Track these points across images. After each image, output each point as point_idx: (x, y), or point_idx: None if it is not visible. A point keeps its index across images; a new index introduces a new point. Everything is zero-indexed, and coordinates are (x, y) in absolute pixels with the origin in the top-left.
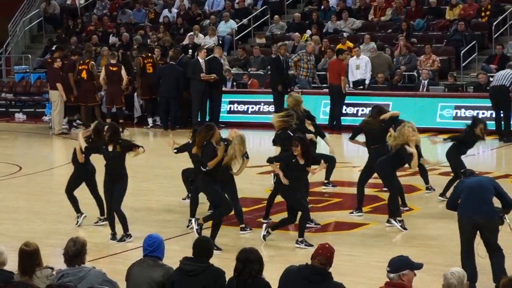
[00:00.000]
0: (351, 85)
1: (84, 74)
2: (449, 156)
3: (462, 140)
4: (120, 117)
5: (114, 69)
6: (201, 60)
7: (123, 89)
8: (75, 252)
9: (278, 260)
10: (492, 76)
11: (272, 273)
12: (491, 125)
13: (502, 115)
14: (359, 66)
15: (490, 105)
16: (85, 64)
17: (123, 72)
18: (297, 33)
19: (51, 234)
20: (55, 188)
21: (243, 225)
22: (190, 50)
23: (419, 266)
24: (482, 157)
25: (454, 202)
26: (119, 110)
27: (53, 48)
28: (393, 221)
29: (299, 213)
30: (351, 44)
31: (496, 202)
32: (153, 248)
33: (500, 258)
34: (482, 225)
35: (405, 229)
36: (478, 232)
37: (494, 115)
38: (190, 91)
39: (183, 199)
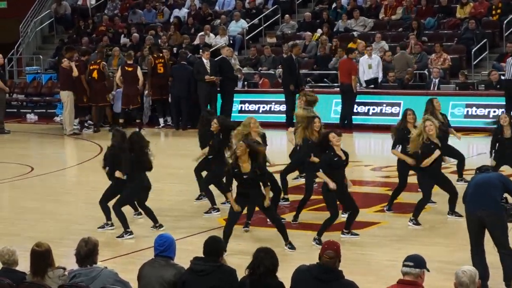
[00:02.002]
0: (364, 84)
1: (95, 74)
2: None
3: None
4: (136, 117)
5: (130, 69)
6: (205, 61)
7: (139, 90)
8: (87, 252)
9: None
10: (503, 74)
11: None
12: None
13: None
14: (371, 65)
15: (502, 103)
16: (97, 64)
17: (139, 72)
18: (308, 32)
19: (64, 235)
20: (67, 189)
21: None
22: (201, 50)
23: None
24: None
25: (465, 198)
26: (135, 110)
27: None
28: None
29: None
30: (362, 43)
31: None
32: (164, 247)
33: (508, 258)
34: (487, 221)
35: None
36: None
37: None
38: (198, 92)
39: (196, 199)
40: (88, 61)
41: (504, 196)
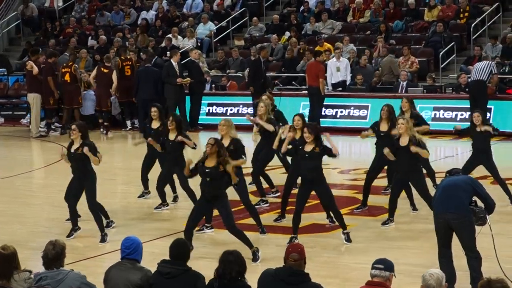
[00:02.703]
0: (330, 87)
1: (67, 77)
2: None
3: None
4: (105, 120)
5: (106, 71)
6: (174, 64)
7: (111, 93)
8: (55, 255)
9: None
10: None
11: None
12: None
13: None
14: (339, 68)
15: (469, 106)
16: (68, 67)
17: (114, 76)
18: (274, 35)
19: (30, 237)
20: (34, 191)
21: None
22: (168, 53)
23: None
24: (461, 158)
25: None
26: (105, 113)
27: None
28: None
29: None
30: (330, 46)
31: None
32: (131, 250)
33: (475, 261)
34: (454, 224)
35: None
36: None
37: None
38: (165, 95)
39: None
40: (56, 63)
41: (473, 199)
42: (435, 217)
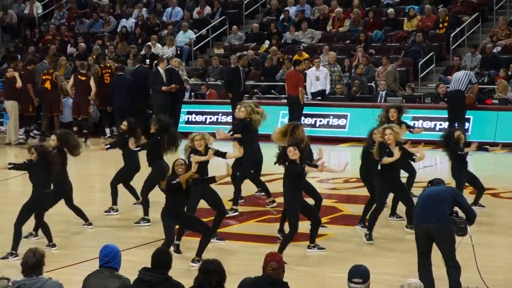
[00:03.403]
0: (310, 96)
1: (47, 85)
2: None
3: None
4: (84, 127)
5: (83, 78)
6: (161, 71)
7: (90, 100)
8: (35, 262)
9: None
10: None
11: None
12: None
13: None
14: (319, 78)
15: (446, 116)
16: (49, 74)
17: (92, 82)
18: (253, 44)
19: (8, 245)
20: (11, 199)
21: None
22: (148, 60)
23: None
24: (440, 168)
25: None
26: (85, 121)
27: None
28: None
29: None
30: (306, 55)
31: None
32: (109, 258)
33: (454, 270)
34: (434, 234)
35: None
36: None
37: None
38: (151, 102)
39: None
40: (35, 71)
41: (454, 209)
42: (415, 226)
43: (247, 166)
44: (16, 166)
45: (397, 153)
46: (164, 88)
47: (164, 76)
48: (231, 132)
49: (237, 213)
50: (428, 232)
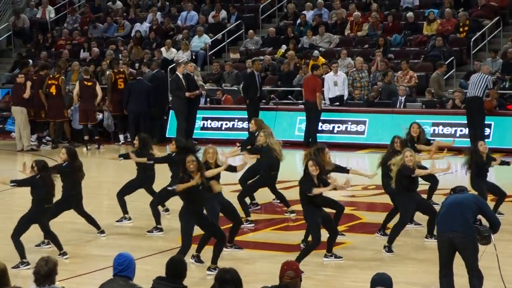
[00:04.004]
0: (328, 102)
1: (53, 89)
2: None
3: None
4: (95, 134)
5: (89, 84)
6: (180, 76)
7: (97, 105)
8: (47, 271)
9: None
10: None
11: None
12: (467, 142)
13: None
14: (337, 83)
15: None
16: (55, 79)
17: (98, 88)
18: (269, 48)
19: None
20: (21, 206)
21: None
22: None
23: None
24: (460, 175)
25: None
26: (94, 127)
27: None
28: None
29: None
30: (323, 60)
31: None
32: (123, 267)
33: (477, 280)
34: (458, 243)
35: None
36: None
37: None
38: (173, 108)
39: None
40: (47, 76)
41: (478, 217)
42: (438, 235)
43: (263, 175)
44: (18, 183)
45: (422, 171)
46: (187, 94)
47: (184, 81)
48: (240, 148)
49: (253, 224)
50: (451, 241)
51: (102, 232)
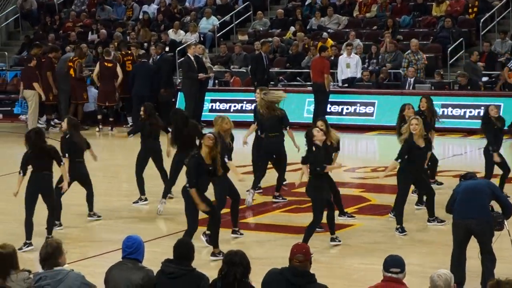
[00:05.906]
0: (340, 83)
1: (72, 72)
2: None
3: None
4: (110, 116)
5: (109, 65)
6: (192, 57)
7: (117, 87)
8: (46, 254)
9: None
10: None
11: None
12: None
13: None
14: (350, 65)
15: (477, 103)
16: (72, 61)
17: (119, 69)
18: (278, 30)
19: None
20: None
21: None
22: (167, 48)
23: None
24: (470, 156)
25: (451, 206)
26: (111, 109)
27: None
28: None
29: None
30: (331, 42)
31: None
32: (132, 249)
33: (490, 263)
34: (475, 229)
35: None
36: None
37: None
38: (183, 90)
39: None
40: (57, 58)
41: (490, 204)
42: (454, 222)
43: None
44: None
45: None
46: (200, 75)
47: (195, 63)
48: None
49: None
50: (468, 227)
51: (95, 214)
